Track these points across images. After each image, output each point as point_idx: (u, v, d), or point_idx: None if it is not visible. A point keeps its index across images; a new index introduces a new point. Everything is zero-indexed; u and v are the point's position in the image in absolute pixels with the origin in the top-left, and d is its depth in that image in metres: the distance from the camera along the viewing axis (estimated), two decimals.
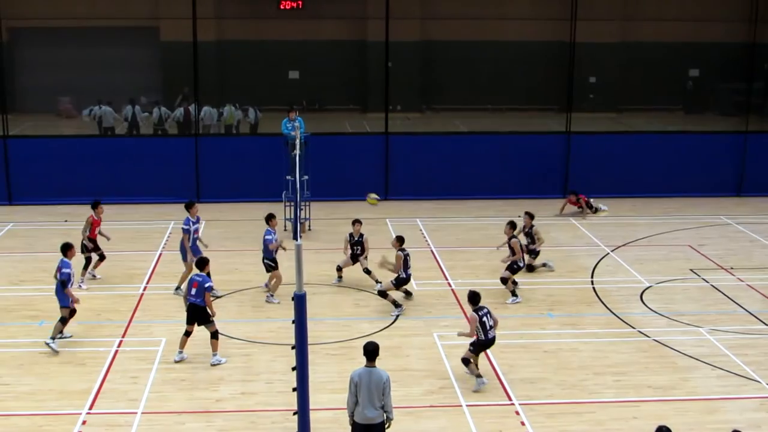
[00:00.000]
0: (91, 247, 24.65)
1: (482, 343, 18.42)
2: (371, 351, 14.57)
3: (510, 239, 23.65)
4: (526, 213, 26.08)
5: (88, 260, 24.81)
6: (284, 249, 22.92)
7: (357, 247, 24.28)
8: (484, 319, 18.27)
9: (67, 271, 20.12)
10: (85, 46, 43.63)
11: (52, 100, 43.52)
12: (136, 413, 17.19)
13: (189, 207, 23.76)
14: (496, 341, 18.76)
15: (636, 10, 44.65)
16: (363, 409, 14.35)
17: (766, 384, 18.71)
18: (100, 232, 24.95)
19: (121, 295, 23.58)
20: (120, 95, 39.02)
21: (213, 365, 19.24)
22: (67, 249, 20.65)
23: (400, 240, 22.72)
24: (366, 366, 14.50)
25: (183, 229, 23.54)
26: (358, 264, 24.31)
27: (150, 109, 38.95)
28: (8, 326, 21.37)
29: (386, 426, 14.56)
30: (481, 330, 18.24)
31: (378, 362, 19.26)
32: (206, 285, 19.16)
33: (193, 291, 19.15)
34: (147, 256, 26.96)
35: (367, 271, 24.13)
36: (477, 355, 18.51)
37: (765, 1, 39.73)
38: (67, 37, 43.46)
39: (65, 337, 20.29)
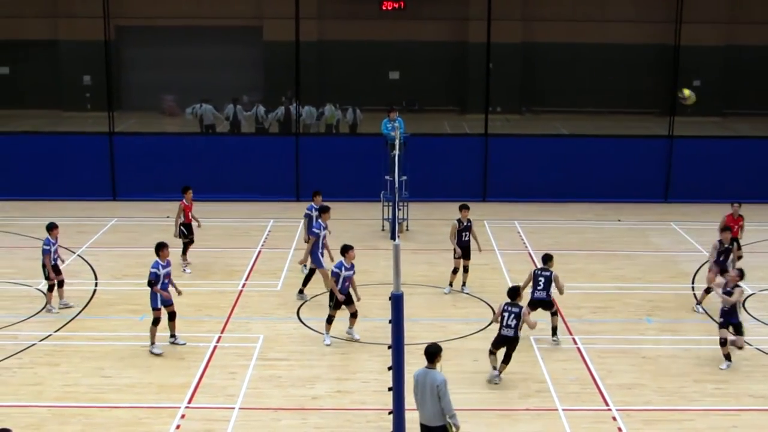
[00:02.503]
0: (184, 234, 25.54)
1: (496, 337, 18.68)
2: (431, 353, 14.41)
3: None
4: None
5: (185, 245, 25.72)
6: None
7: (465, 233, 24.00)
8: (505, 314, 18.33)
9: (154, 271, 19.83)
10: (189, 45, 44.32)
11: (156, 98, 44.27)
12: (233, 408, 17.40)
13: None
14: (596, 346, 18.57)
15: (742, 12, 43.85)
16: (421, 409, 14.35)
17: None
18: (192, 217, 25.74)
19: (220, 291, 23.90)
20: (222, 94, 39.49)
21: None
22: (159, 249, 20.28)
23: (543, 259, 21.08)
24: (426, 367, 14.37)
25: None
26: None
27: (251, 108, 39.37)
28: (110, 320, 21.80)
29: (455, 428, 14.34)
30: (499, 322, 18.51)
31: (474, 364, 19.44)
32: (332, 270, 20.27)
33: None
34: (246, 253, 27.28)
35: (465, 269, 24.02)
36: (495, 348, 18.64)
37: None
38: (172, 36, 44.20)
39: (179, 343, 20.34)
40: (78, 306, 22.67)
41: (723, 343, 19.35)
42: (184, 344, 20.30)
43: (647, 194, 34.10)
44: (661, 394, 18.32)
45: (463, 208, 24.09)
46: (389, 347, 14.19)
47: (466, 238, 23.88)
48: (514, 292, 18.56)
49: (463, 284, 24.05)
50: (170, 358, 19.65)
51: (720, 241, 23.02)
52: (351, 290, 20.32)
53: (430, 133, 36.31)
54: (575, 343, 20.76)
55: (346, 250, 20.33)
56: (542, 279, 20.34)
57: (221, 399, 17.82)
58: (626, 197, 33.96)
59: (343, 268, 20.03)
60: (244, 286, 24.46)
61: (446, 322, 21.93)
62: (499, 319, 18.43)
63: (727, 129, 41.49)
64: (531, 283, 20.52)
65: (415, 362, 18.96)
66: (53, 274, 22.13)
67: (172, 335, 20.31)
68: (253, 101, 40.81)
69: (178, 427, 16.70)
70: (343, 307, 20.25)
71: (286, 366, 19.37)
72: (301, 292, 23.30)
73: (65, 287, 22.61)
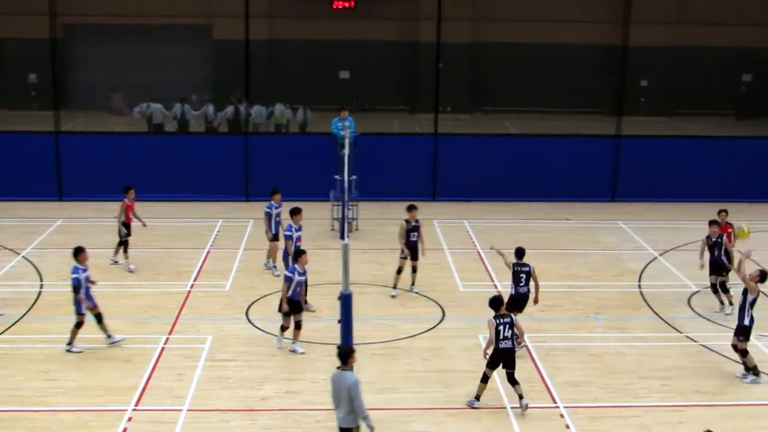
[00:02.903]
0: (125, 233, 25.51)
1: (495, 354, 17.35)
2: (344, 354, 14.32)
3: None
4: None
5: (126, 243, 25.69)
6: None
7: (413, 234, 23.89)
8: (501, 327, 17.19)
9: (76, 276, 19.60)
10: (138, 44, 44.08)
11: (104, 96, 43.96)
12: (181, 410, 17.28)
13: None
14: (545, 344, 18.64)
15: (688, 14, 44.33)
16: (336, 410, 14.37)
17: None
18: (135, 216, 25.78)
19: (168, 292, 23.73)
20: (172, 93, 39.28)
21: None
22: (77, 253, 19.91)
23: (518, 253, 20.62)
24: (339, 368, 14.33)
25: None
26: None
27: (200, 108, 39.20)
28: (56, 322, 21.52)
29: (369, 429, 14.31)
30: (495, 338, 17.23)
31: (423, 363, 19.46)
32: (285, 274, 19.94)
33: None
34: (195, 254, 27.12)
35: (414, 270, 24.02)
36: (492, 368, 17.48)
37: None
38: (120, 34, 43.91)
39: (116, 341, 20.15)
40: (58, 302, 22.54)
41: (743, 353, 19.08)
42: (122, 339, 20.15)
43: (595, 193, 34.34)
44: (608, 390, 18.45)
45: (412, 208, 23.94)
46: (338, 347, 14.17)
47: (414, 239, 23.79)
48: (498, 302, 17.59)
49: (413, 284, 24.06)
50: (117, 360, 19.47)
51: (708, 237, 23.21)
52: (301, 296, 20.17)
53: (380, 132, 36.33)
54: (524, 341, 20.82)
55: (298, 254, 20.13)
56: (523, 275, 20.19)
57: (169, 401, 17.69)
58: (575, 196, 34.17)
59: (296, 273, 19.78)
60: (192, 286, 24.31)
61: (395, 322, 21.94)
62: (494, 334, 17.30)
63: (674, 128, 41.90)
64: (512, 281, 20.31)
65: (365, 362, 19.06)
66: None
67: (108, 336, 20.06)
68: (203, 100, 40.64)
69: (124, 430, 16.54)
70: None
71: (235, 367, 19.27)
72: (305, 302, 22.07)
73: None
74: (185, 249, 27.59)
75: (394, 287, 23.87)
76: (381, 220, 30.85)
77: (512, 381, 17.37)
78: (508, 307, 20.02)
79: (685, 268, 26.36)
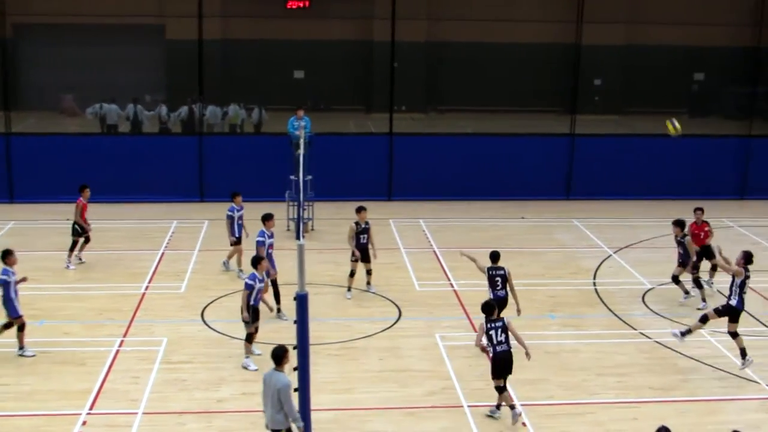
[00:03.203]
0: (81, 231, 25.56)
1: (494, 360, 16.96)
2: (277, 355, 14.31)
3: (682, 238, 23.32)
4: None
5: (75, 243, 25.65)
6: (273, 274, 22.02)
7: (363, 236, 23.86)
8: (492, 332, 16.82)
9: (5, 278, 19.36)
10: (89, 44, 43.65)
11: (55, 97, 43.53)
12: (136, 413, 17.16)
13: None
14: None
15: (641, 13, 44.61)
16: (265, 410, 14.32)
17: (766, 385, 18.72)
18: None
19: (122, 294, 23.56)
20: (124, 93, 38.97)
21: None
22: (5, 256, 19.68)
23: (493, 257, 20.56)
24: (273, 369, 14.31)
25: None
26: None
27: (154, 108, 38.96)
28: None
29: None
30: (489, 343, 16.91)
31: (380, 363, 19.47)
32: (246, 281, 19.36)
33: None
34: (149, 255, 26.95)
35: (369, 272, 24.03)
36: (497, 378, 16.95)
37: None
38: (72, 34, 43.47)
39: (27, 355, 19.58)
40: None
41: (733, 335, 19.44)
42: (34, 355, 19.55)
43: (550, 191, 34.54)
44: (564, 388, 18.55)
45: (361, 209, 23.75)
46: (294, 348, 14.14)
47: (364, 241, 23.76)
48: (490, 307, 17.12)
49: (368, 284, 24.06)
50: (71, 363, 19.29)
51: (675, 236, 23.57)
52: (262, 302, 19.80)
53: (336, 132, 36.27)
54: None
55: (258, 261, 19.85)
56: (499, 278, 20.10)
57: (124, 404, 17.56)
58: (530, 194, 34.33)
59: (256, 280, 19.48)
60: (147, 288, 24.15)
61: (352, 322, 21.93)
62: (485, 340, 17.06)
63: (627, 127, 42.18)
64: (488, 285, 20.18)
65: (322, 362, 19.05)
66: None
67: (21, 347, 19.67)
68: (156, 101, 40.38)
69: None
70: None
71: (191, 369, 19.18)
72: (278, 310, 21.84)
73: None
74: (140, 251, 27.41)
75: (348, 290, 23.80)
76: (337, 220, 30.80)
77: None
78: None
79: (639, 266, 26.59)
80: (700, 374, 19.23)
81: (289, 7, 45.46)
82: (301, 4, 45.45)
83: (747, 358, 19.21)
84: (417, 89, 45.29)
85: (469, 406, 17.64)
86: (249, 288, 19.30)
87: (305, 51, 45.52)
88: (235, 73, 45.25)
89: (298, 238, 24.00)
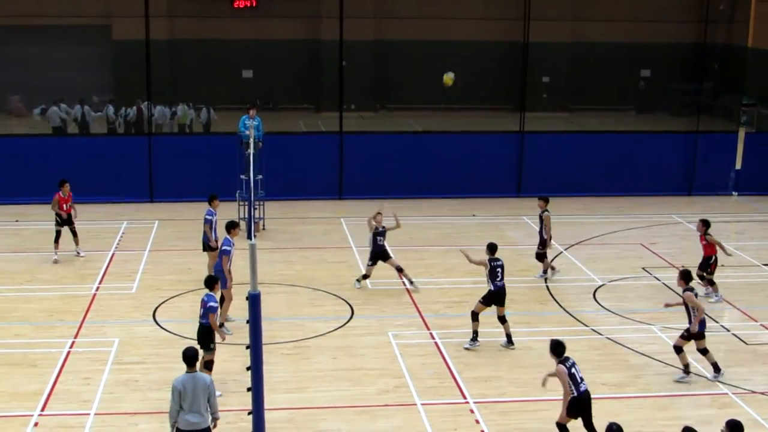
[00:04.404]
0: (61, 221, 26.06)
1: (577, 401, 15.66)
2: (190, 357, 14.28)
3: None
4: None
5: (58, 233, 25.99)
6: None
7: (380, 238, 23.99)
8: (573, 370, 15.70)
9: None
10: (35, 44, 43.16)
11: (1, 98, 43.04)
12: (89, 414, 17.07)
13: (232, 227, 21.69)
14: (454, 340, 18.69)
15: (588, 10, 44.90)
16: (186, 415, 14.16)
17: (717, 381, 18.90)
18: (73, 207, 26.36)
19: (73, 295, 23.39)
20: (72, 94, 38.63)
21: None
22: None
23: (491, 248, 20.82)
24: (187, 372, 14.25)
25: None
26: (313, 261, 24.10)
27: (101, 109, 38.68)
28: None
29: (213, 426, 14.45)
30: (572, 384, 15.60)
31: (333, 361, 19.50)
32: (207, 305, 17.80)
33: (201, 311, 17.97)
34: (99, 256, 26.75)
35: (400, 270, 24.12)
36: (574, 417, 15.79)
37: (715, 2, 40.11)
38: (16, 34, 42.98)
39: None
40: None
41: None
42: None
43: (500, 189, 34.70)
44: (517, 385, 18.67)
45: (378, 215, 24.18)
46: (247, 347, 14.10)
47: (381, 243, 24.15)
48: (561, 347, 15.97)
49: (411, 282, 24.32)
50: (21, 365, 19.15)
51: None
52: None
53: (286, 131, 36.21)
54: (432, 337, 20.98)
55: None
56: (499, 269, 20.42)
57: (76, 405, 17.45)
58: (480, 192, 34.47)
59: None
60: (97, 289, 23.99)
61: (304, 321, 21.92)
62: (570, 380, 15.61)
63: (575, 124, 42.47)
64: (489, 276, 20.41)
65: (274, 361, 19.03)
66: None
67: None
68: (103, 101, 40.07)
69: None
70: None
71: (143, 369, 19.09)
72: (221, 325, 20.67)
73: None
74: (90, 251, 27.16)
75: (358, 281, 24.38)
76: (288, 219, 30.80)
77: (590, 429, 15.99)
78: (488, 303, 20.30)
79: (589, 263, 26.80)
80: (651, 370, 19.42)
81: (236, 6, 45.24)
82: (248, 4, 45.23)
83: (721, 372, 19.15)
84: (366, 88, 45.32)
85: (422, 404, 17.70)
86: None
87: (253, 50, 45.33)
88: (183, 72, 44.95)
89: (249, 237, 23.97)
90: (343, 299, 23.38)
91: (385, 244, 24.24)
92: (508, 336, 20.49)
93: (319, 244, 28.49)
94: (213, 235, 23.74)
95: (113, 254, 27.11)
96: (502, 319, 20.49)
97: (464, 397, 18.02)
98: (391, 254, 24.44)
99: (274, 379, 18.14)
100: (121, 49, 42.92)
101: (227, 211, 29.58)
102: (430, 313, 22.43)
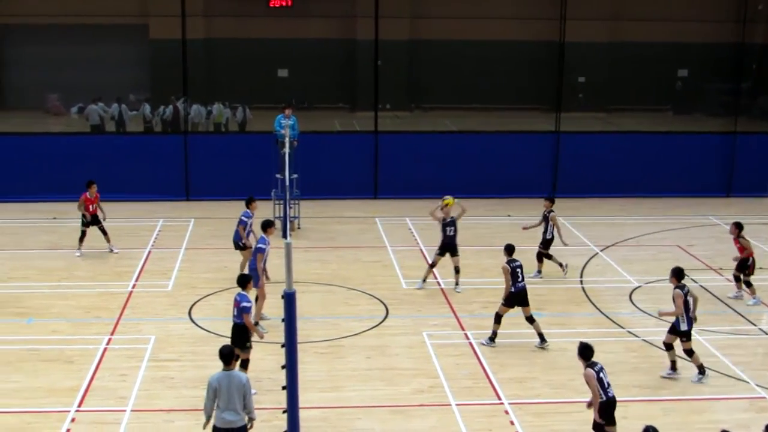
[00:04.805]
0: (87, 221, 26.35)
1: (606, 405, 15.31)
2: (226, 355, 14.30)
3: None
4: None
5: (83, 233, 26.33)
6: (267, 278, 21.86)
7: (450, 228, 23.98)
8: (601, 375, 15.34)
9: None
10: (74, 44, 43.59)
11: (40, 97, 43.44)
12: (125, 411, 17.16)
13: (268, 226, 21.84)
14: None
15: (625, 10, 44.76)
16: (222, 413, 14.19)
17: (755, 384, 18.76)
18: (100, 208, 26.63)
19: (110, 292, 23.52)
20: (109, 93, 38.91)
21: None
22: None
23: (508, 250, 20.74)
24: (223, 370, 14.26)
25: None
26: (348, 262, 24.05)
27: (138, 107, 38.96)
28: None
29: (249, 427, 14.44)
30: (600, 388, 15.26)
31: (367, 361, 19.49)
32: (241, 305, 17.77)
33: (235, 311, 17.94)
34: (136, 254, 26.90)
35: (457, 270, 24.07)
36: (611, 422, 15.37)
37: (753, 1, 39.86)
38: (56, 34, 43.39)
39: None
40: None
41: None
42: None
43: (536, 189, 34.47)
44: (552, 386, 18.58)
45: (446, 206, 24.36)
46: (282, 346, 14.14)
47: (452, 233, 24.09)
48: (589, 350, 15.66)
49: (456, 284, 24.29)
50: (59, 361, 19.28)
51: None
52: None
53: (321, 130, 36.28)
54: (467, 338, 20.94)
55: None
56: (519, 270, 20.41)
57: (112, 401, 17.55)
58: (515, 192, 34.35)
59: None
60: (134, 287, 24.11)
61: (339, 320, 21.93)
62: (598, 385, 15.27)
63: (612, 124, 42.32)
64: (510, 278, 20.29)
65: (309, 360, 19.04)
66: None
67: None
68: (140, 100, 40.36)
69: (68, 431, 16.39)
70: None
71: (179, 367, 19.17)
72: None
73: None
74: (126, 249, 27.33)
75: (423, 280, 24.27)
76: (323, 219, 30.85)
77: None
78: (510, 304, 20.24)
79: (625, 264, 26.65)
80: (688, 373, 19.22)
81: (271, 5, 45.46)
82: (284, 3, 45.46)
83: (705, 374, 18.99)
84: (401, 87, 45.36)
85: (457, 405, 17.66)
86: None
87: (289, 49, 45.54)
88: (219, 72, 45.23)
89: (285, 236, 24.06)
90: (377, 299, 23.38)
91: (455, 236, 24.04)
92: (540, 335, 20.42)
93: (353, 243, 28.52)
94: (246, 235, 23.87)
95: (149, 252, 27.25)
96: (530, 319, 20.42)
97: (499, 398, 17.97)
98: (459, 252, 24.21)
99: (308, 378, 18.16)
100: (157, 48, 43.28)
101: (263, 209, 29.67)
102: (465, 314, 22.39)
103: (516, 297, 20.27)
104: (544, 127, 36.58)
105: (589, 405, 15.50)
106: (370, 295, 23.70)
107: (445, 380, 18.65)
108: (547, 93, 39.17)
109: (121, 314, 22.03)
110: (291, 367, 14.12)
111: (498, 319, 20.40)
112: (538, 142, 35.49)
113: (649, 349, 20.48)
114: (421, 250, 27.83)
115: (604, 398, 15.25)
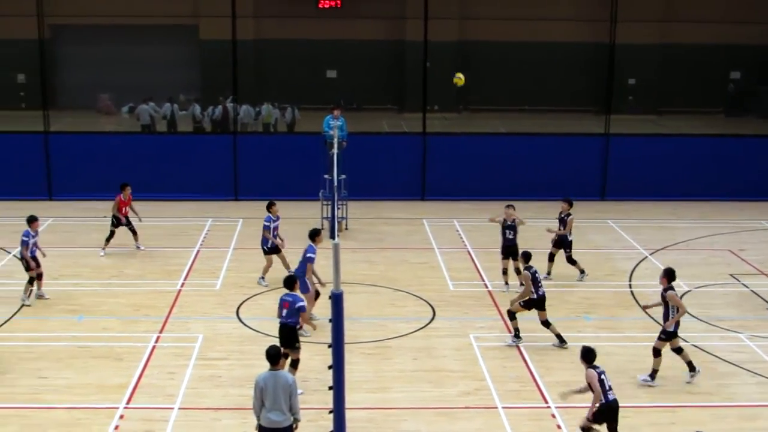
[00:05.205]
0: (117, 223, 26.73)
1: (605, 408, 15.52)
2: (273, 355, 14.30)
3: None
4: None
5: (112, 233, 26.70)
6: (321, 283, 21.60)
7: (510, 231, 23.97)
8: (603, 377, 15.59)
9: (26, 239, 22.34)
10: (125, 44, 44.03)
11: (92, 96, 43.87)
12: (172, 408, 17.28)
13: (270, 206, 24.15)
14: (536, 344, 18.58)
15: (676, 11, 44.45)
16: (268, 413, 14.16)
17: None
18: (132, 210, 26.89)
19: (158, 291, 23.70)
20: (160, 93, 39.23)
21: None
22: (30, 221, 22.73)
23: (525, 257, 20.86)
24: (270, 370, 14.24)
25: (265, 225, 23.85)
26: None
27: (187, 107, 39.24)
28: (48, 320, 21.55)
29: (294, 428, 14.41)
30: (601, 390, 15.54)
31: (414, 362, 19.48)
32: (297, 305, 17.98)
33: (284, 312, 18.00)
34: (185, 253, 27.08)
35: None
36: (599, 423, 15.64)
37: None
38: (107, 34, 43.85)
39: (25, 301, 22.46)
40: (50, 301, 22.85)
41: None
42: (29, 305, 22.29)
43: (584, 192, 34.27)
44: None
45: (509, 207, 24.47)
46: (329, 346, 14.17)
47: (511, 236, 24.11)
48: (591, 353, 15.85)
49: (506, 284, 24.30)
50: (108, 358, 19.45)
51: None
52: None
53: (369, 131, 36.35)
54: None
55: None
56: (538, 275, 20.43)
57: (160, 399, 17.68)
58: (564, 195, 34.11)
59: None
60: (182, 285, 24.27)
61: (386, 321, 21.94)
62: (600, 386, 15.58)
63: (663, 127, 42.00)
64: (532, 285, 20.20)
65: (356, 361, 19.06)
66: (33, 264, 22.49)
67: (27, 295, 22.55)
68: (190, 100, 40.63)
69: (116, 427, 16.53)
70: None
71: (226, 366, 19.26)
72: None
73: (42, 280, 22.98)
74: (175, 248, 27.55)
75: (506, 284, 24.25)
76: (370, 220, 30.88)
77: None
78: (528, 308, 20.25)
79: (675, 268, 26.30)
80: (738, 379, 19.06)
81: (320, 6, 45.63)
82: (333, 4, 45.62)
83: (697, 370, 18.87)
84: (449, 89, 45.30)
85: (503, 408, 17.60)
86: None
87: (337, 50, 45.70)
88: (268, 72, 45.47)
89: (332, 237, 24.14)
90: (424, 300, 23.36)
91: (515, 238, 24.02)
92: (558, 336, 20.35)
93: (401, 244, 28.52)
94: (272, 236, 24.18)
95: (198, 251, 27.42)
96: (546, 323, 20.33)
97: (545, 402, 17.89)
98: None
99: (355, 379, 18.17)
100: (207, 48, 43.61)
101: (310, 210, 29.86)
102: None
103: (535, 303, 20.25)
104: (594, 129, 36.36)
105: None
106: (416, 296, 23.69)
107: (491, 383, 18.60)
108: (597, 95, 38.97)
109: (169, 312, 22.19)
110: (338, 367, 14.15)
111: (512, 315, 20.41)
112: (587, 144, 35.27)
113: (698, 354, 20.26)
114: (469, 252, 27.78)
115: (604, 400, 15.37)
